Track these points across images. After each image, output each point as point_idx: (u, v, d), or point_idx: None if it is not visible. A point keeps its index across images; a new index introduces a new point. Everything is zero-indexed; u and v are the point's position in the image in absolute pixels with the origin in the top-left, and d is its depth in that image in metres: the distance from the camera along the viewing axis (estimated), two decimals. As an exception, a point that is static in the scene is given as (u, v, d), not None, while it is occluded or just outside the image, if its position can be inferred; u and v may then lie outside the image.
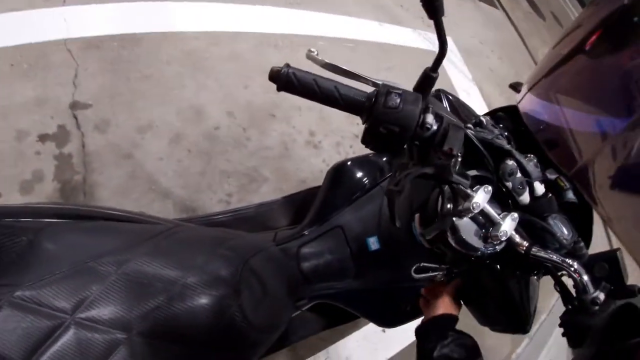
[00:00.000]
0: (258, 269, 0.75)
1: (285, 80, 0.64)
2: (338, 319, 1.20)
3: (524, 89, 0.80)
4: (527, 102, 0.75)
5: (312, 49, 0.70)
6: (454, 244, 0.65)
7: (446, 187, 0.63)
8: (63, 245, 0.62)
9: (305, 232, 0.97)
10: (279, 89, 0.66)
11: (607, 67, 0.67)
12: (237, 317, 0.65)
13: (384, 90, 0.62)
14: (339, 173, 1.00)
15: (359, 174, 0.98)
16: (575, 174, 0.65)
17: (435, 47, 0.62)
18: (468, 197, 0.59)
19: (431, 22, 0.58)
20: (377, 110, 0.61)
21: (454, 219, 0.62)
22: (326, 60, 0.69)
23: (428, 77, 0.65)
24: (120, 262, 0.61)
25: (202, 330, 0.62)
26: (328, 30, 2.23)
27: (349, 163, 0.99)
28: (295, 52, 2.08)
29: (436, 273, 0.84)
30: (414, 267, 0.83)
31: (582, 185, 0.65)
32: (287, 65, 0.65)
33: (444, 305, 0.80)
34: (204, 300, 0.62)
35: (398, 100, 0.61)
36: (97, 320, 0.56)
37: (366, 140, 0.65)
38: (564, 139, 0.67)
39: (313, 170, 1.87)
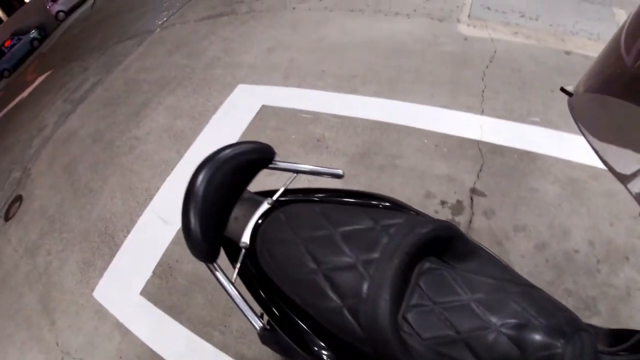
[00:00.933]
0: (583, 342, 0.95)
1: None
2: None
3: (576, 93, 0.73)
4: (579, 107, 0.70)
5: None
6: None
7: None
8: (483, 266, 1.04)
9: (621, 353, 1.10)
10: None
11: None
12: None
13: None
14: None
15: None
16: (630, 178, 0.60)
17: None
18: None
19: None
20: None
21: None
22: None
23: None
24: (504, 288, 0.96)
25: (535, 347, 0.87)
26: None
27: None
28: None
29: None
30: None
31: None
32: None
33: None
34: (542, 336, 0.88)
35: None
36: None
37: None
38: (618, 144, 0.61)
39: (649, 324, 1.98)
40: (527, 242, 2.14)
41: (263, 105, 3.25)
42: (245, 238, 1.12)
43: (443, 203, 2.31)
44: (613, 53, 0.66)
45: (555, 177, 2.30)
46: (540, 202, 2.24)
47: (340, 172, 1.26)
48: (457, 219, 2.24)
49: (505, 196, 2.27)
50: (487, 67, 2.92)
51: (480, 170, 2.37)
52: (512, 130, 2.53)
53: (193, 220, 1.07)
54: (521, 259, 2.11)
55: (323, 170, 1.28)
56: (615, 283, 2.05)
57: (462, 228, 2.21)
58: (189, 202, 1.08)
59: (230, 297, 1.09)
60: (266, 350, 1.82)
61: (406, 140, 2.59)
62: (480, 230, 2.19)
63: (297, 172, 1.29)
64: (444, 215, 2.27)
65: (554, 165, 2.34)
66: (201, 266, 2.41)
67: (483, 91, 2.75)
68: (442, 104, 2.72)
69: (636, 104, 0.60)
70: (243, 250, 1.12)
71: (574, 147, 2.41)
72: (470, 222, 2.23)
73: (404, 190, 2.40)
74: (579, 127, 0.75)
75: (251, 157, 1.23)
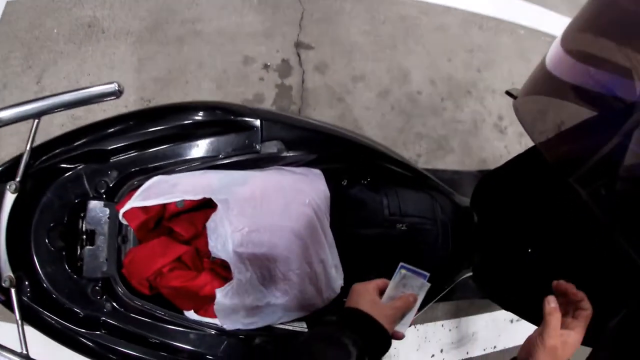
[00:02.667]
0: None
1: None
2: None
3: (520, 96, 0.85)
4: (522, 108, 0.82)
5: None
6: None
7: None
8: None
9: None
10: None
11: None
12: None
13: None
14: None
15: None
16: (576, 178, 0.64)
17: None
18: None
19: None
20: None
21: None
22: None
23: None
24: None
25: None
26: (530, 21, 2.22)
27: None
28: (497, 37, 2.11)
29: None
30: None
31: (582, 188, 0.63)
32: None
33: None
34: None
35: None
36: None
37: None
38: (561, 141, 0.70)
39: (494, 153, 1.90)
40: (369, 92, 1.81)
41: (8, 2, 2.16)
42: (5, 269, 0.69)
43: (266, 66, 1.80)
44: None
45: (385, 16, 1.97)
46: (374, 45, 1.90)
47: (113, 87, 0.72)
48: (287, 81, 1.78)
49: (336, 45, 1.87)
50: None
51: (302, 18, 1.90)
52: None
53: None
54: (366, 111, 1.78)
55: (83, 96, 0.72)
56: (462, 118, 1.89)
57: (295, 91, 1.77)
58: None
59: None
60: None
61: (204, -3, 1.94)
62: (316, 89, 1.78)
63: (39, 115, 0.71)
64: (272, 80, 1.78)
65: (381, 3, 1.99)
66: None
67: None
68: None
69: (571, 102, 0.66)
70: (12, 292, 0.69)
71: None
72: (302, 82, 1.79)
73: (215, 62, 1.81)
74: (524, 127, 0.78)
75: None
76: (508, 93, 0.89)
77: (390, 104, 1.80)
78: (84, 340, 0.74)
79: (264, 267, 0.71)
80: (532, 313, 0.96)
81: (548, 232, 0.97)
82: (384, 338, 0.61)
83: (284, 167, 0.87)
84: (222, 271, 0.76)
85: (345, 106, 1.76)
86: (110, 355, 0.74)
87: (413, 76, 1.88)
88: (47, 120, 0.76)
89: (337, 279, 0.84)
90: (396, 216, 0.94)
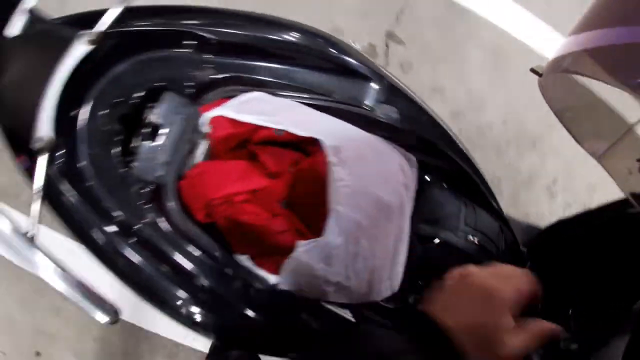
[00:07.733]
0: None
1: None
2: None
3: (545, 73, 0.79)
4: (549, 87, 0.76)
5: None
6: None
7: None
8: None
9: None
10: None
11: None
12: None
13: None
14: None
15: None
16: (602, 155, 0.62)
17: None
18: None
19: None
20: None
21: None
22: None
23: None
24: None
25: None
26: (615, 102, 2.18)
27: None
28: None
29: None
30: None
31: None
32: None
33: None
34: None
35: None
36: None
37: None
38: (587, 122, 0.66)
39: (538, 213, 1.84)
40: (442, 108, 1.74)
41: None
42: (44, 129, 0.53)
43: (352, 43, 1.72)
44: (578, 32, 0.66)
45: (482, 41, 1.90)
46: (462, 64, 1.84)
47: None
48: (367, 66, 1.71)
49: (426, 50, 1.80)
50: None
51: (401, 12, 1.83)
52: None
53: None
54: (434, 125, 1.71)
55: None
56: (520, 167, 1.83)
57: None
58: None
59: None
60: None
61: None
62: (392, 84, 1.71)
63: None
64: (351, 59, 1.70)
65: (483, 27, 1.92)
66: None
67: None
68: None
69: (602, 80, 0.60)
70: (43, 157, 0.54)
71: (509, 15, 2.02)
72: (382, 72, 1.72)
73: (304, 21, 1.73)
74: (550, 107, 0.75)
75: None
76: (533, 70, 0.84)
77: (458, 127, 1.73)
78: (104, 245, 0.61)
79: (353, 239, 0.63)
80: None
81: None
82: None
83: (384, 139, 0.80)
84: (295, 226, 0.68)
85: (415, 112, 1.69)
86: (130, 274, 0.63)
87: (488, 109, 1.81)
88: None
89: (399, 277, 0.77)
90: (470, 228, 0.87)
